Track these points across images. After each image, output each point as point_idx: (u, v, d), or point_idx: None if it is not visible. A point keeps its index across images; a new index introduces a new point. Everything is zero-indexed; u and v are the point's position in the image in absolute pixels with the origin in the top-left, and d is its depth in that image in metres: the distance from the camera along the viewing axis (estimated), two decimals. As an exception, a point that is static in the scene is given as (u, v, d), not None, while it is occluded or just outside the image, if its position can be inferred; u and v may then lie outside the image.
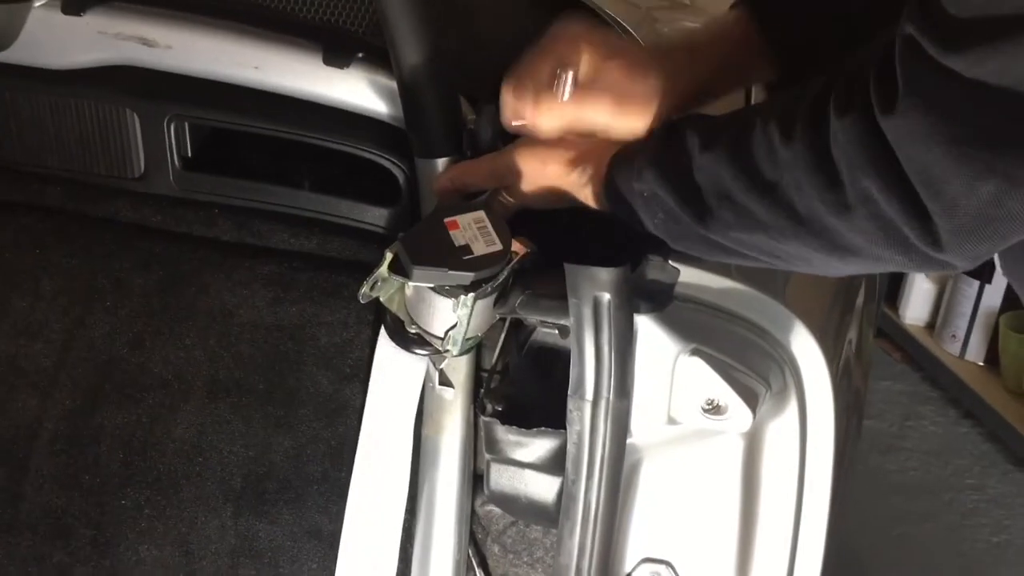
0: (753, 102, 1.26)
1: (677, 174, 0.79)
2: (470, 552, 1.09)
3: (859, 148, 0.66)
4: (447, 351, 0.91)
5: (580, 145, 0.91)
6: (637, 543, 0.99)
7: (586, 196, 0.89)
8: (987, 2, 0.57)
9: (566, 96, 0.87)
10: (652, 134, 0.86)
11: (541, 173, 0.91)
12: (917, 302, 2.81)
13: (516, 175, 0.92)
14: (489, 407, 0.97)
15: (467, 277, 0.86)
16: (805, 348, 0.96)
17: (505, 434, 0.95)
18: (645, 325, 0.90)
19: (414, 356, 0.99)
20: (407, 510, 1.05)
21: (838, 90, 0.68)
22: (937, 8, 0.60)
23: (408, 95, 0.97)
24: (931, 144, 0.62)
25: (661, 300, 0.88)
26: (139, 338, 1.15)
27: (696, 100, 0.90)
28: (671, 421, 0.93)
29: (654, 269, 0.87)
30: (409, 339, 0.96)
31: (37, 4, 1.13)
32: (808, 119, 0.70)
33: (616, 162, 0.85)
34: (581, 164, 0.89)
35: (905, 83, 0.63)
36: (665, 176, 0.80)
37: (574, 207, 0.91)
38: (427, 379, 1.03)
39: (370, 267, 0.88)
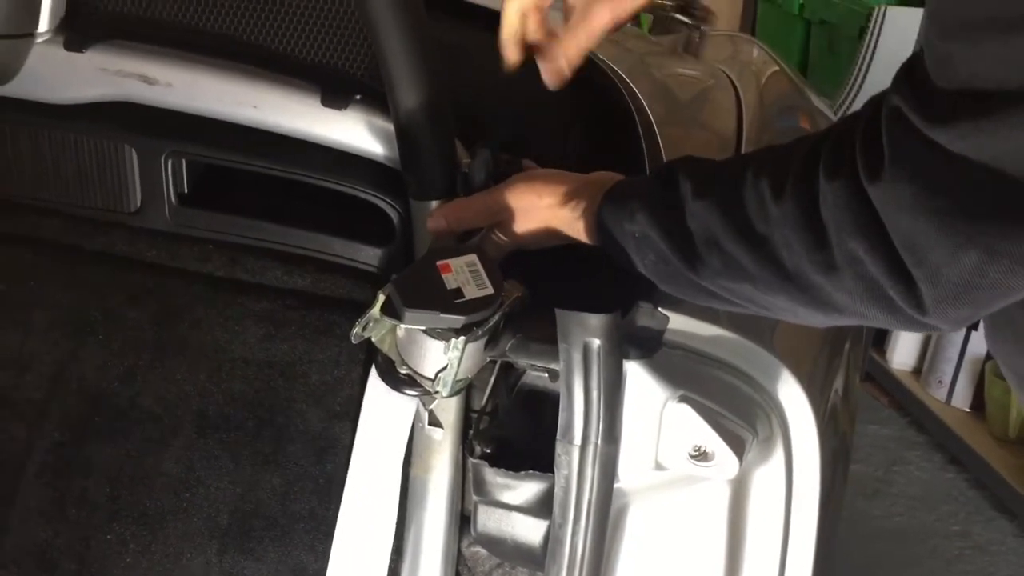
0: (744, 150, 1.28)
1: (669, 218, 0.80)
2: (455, 593, 1.09)
3: (846, 211, 0.67)
4: (437, 392, 0.92)
5: (575, 179, 0.92)
6: (622, 587, 0.99)
7: (578, 231, 0.90)
8: (971, 76, 0.58)
9: None
10: (646, 175, 0.87)
11: (535, 206, 0.92)
12: (904, 347, 2.83)
13: (509, 211, 0.93)
14: (478, 449, 0.98)
15: (458, 320, 0.87)
16: (792, 395, 0.97)
17: (493, 476, 0.96)
18: (634, 371, 0.91)
19: (404, 396, 0.99)
20: (393, 550, 1.05)
21: (827, 152, 0.70)
22: (924, 80, 0.61)
23: (404, 137, 0.98)
24: (916, 213, 0.63)
25: (650, 346, 0.89)
26: (130, 372, 1.15)
27: None
28: (658, 467, 0.93)
29: (644, 316, 0.88)
30: (399, 379, 0.96)
31: (39, 40, 1.14)
32: (798, 178, 0.71)
33: (608, 200, 0.86)
34: (575, 198, 0.90)
35: (891, 152, 0.64)
36: (657, 219, 0.81)
37: (565, 248, 0.92)
38: (416, 419, 1.03)
39: (362, 306, 0.89)
